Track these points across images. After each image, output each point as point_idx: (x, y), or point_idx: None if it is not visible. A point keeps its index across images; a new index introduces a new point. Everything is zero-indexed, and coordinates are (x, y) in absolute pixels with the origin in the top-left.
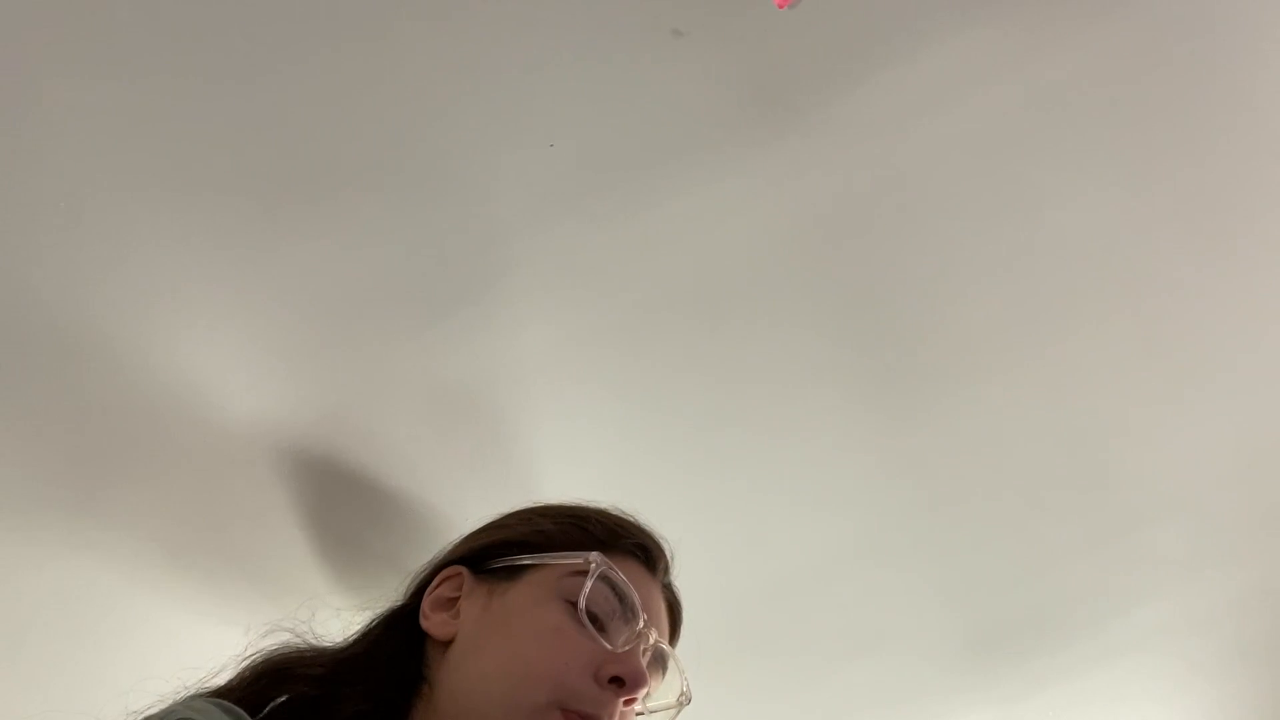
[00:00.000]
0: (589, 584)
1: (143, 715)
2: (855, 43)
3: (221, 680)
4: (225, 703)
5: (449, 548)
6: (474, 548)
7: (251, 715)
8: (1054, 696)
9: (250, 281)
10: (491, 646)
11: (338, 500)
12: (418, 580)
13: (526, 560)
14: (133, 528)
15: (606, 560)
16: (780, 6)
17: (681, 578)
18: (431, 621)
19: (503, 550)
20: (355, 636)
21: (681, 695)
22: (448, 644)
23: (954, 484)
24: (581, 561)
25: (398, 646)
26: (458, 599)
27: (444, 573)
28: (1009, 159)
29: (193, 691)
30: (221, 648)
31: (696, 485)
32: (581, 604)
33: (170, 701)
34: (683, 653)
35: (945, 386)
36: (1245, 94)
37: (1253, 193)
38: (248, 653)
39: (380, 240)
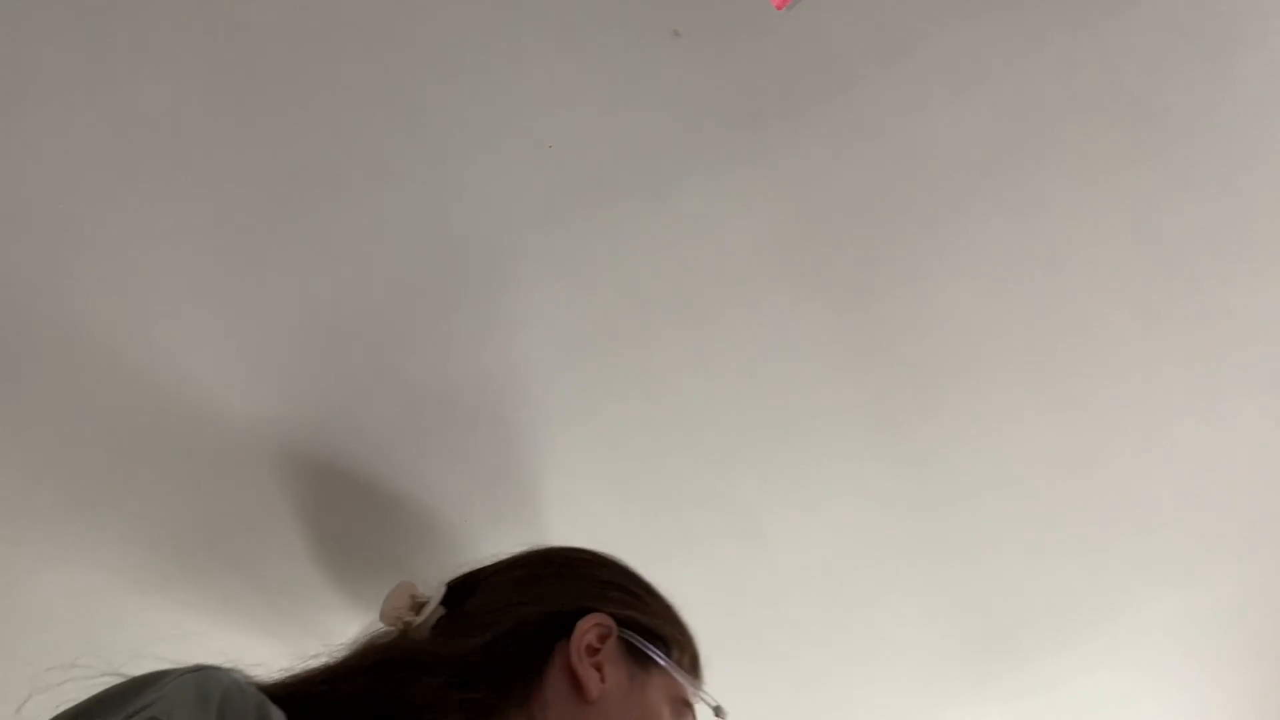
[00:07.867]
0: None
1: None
2: (854, 43)
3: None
4: (251, 695)
5: (569, 579)
6: (623, 614)
7: (332, 711)
8: (1054, 697)
9: (249, 283)
10: None
11: (338, 501)
12: (547, 609)
13: (659, 658)
14: (130, 530)
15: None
16: (779, 7)
17: (682, 577)
18: (584, 669)
19: (644, 633)
20: (473, 647)
21: None
22: (583, 698)
23: (954, 485)
24: (699, 696)
25: (526, 670)
26: (598, 651)
27: (595, 618)
28: (1009, 159)
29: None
30: (219, 649)
31: (696, 485)
32: None
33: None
34: None
35: (946, 388)
36: (1249, 95)
37: (1255, 194)
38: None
39: (379, 241)
